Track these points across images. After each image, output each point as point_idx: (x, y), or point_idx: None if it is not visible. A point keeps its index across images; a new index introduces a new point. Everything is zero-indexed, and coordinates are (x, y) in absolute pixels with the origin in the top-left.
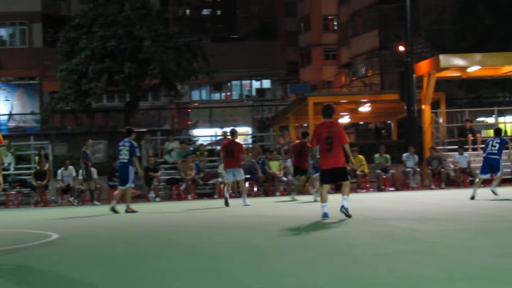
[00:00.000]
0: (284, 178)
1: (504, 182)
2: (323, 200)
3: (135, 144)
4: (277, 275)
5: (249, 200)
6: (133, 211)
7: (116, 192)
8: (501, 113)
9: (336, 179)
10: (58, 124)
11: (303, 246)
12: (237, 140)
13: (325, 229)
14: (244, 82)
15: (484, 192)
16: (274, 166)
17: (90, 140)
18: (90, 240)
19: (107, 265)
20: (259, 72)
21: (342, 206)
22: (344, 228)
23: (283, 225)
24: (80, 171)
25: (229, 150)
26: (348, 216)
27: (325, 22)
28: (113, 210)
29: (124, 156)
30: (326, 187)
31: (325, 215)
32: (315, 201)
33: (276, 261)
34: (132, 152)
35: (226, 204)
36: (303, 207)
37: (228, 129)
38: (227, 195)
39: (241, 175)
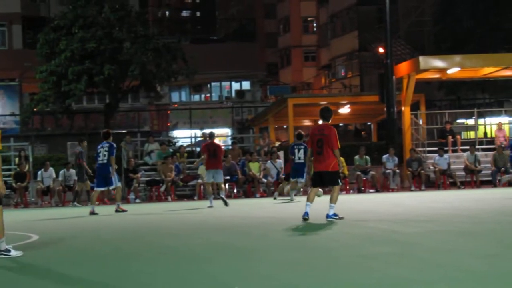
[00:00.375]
0: (264, 180)
1: None
2: (308, 200)
3: (114, 145)
4: (258, 276)
5: (229, 202)
6: (123, 211)
7: (92, 194)
8: (481, 115)
9: (325, 182)
10: (38, 125)
11: (284, 247)
12: (216, 142)
13: (305, 231)
14: (223, 83)
15: (463, 194)
16: (254, 168)
17: (85, 141)
18: (70, 242)
19: (87, 267)
20: (239, 74)
21: (327, 215)
22: (324, 230)
23: (264, 227)
24: (60, 172)
25: (212, 151)
26: (340, 219)
27: (305, 23)
28: (93, 213)
29: (103, 157)
30: (315, 189)
31: (305, 215)
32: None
33: (257, 263)
34: (111, 153)
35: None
36: (284, 208)
37: (207, 131)
38: (211, 202)
39: (220, 177)
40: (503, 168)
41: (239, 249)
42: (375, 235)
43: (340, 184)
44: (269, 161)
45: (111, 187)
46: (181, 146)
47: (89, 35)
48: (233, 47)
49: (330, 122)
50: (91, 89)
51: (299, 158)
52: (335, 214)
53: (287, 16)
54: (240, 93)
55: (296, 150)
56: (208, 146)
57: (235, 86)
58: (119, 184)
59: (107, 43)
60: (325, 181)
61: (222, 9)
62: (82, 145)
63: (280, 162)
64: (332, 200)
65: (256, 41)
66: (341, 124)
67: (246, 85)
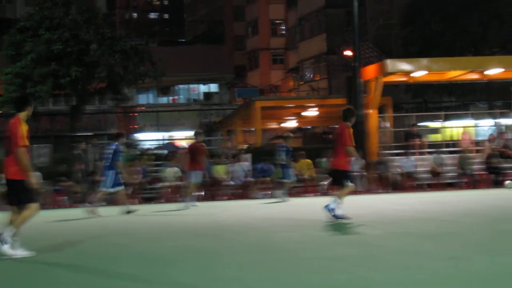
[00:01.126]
0: (232, 182)
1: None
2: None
3: (119, 148)
4: (223, 279)
5: (196, 204)
6: (96, 215)
7: (120, 196)
8: (448, 118)
9: (333, 180)
10: (2, 128)
11: (249, 250)
12: (198, 143)
13: (271, 233)
14: (191, 86)
15: (428, 197)
16: (221, 170)
17: (84, 143)
18: (35, 244)
19: (54, 269)
20: (207, 76)
21: (327, 206)
22: (289, 232)
23: (230, 229)
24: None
25: (195, 153)
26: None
27: (273, 26)
28: (128, 211)
29: (108, 160)
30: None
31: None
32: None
33: (221, 265)
34: (114, 157)
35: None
36: (250, 211)
37: (175, 133)
38: (195, 201)
39: (198, 178)
40: (468, 171)
41: (204, 251)
42: (341, 237)
43: (346, 185)
44: (236, 164)
45: (102, 189)
46: (148, 148)
47: (56, 37)
48: (201, 50)
49: (350, 122)
50: (57, 91)
51: (282, 160)
52: (339, 216)
53: (256, 19)
54: (208, 95)
55: (279, 152)
56: (191, 147)
57: (203, 88)
58: (106, 190)
59: (73, 45)
60: (333, 179)
61: (190, 11)
62: (81, 147)
63: (247, 164)
64: (339, 194)
65: (224, 44)
66: (309, 127)
67: (214, 87)
